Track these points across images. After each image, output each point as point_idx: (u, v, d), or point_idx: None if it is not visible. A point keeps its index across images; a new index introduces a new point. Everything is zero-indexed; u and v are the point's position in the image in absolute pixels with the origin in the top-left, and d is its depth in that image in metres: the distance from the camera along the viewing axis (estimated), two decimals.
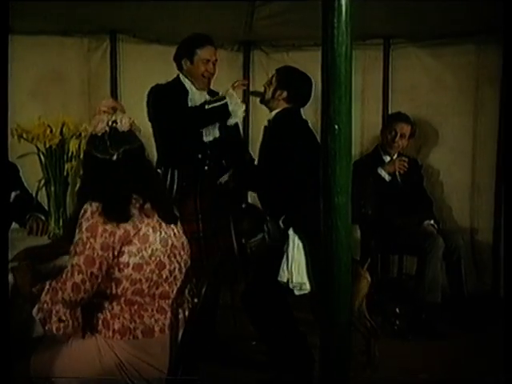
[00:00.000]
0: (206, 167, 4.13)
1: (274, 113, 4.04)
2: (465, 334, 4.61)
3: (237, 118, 4.12)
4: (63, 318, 2.60)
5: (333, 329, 1.63)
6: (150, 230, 2.72)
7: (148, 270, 2.70)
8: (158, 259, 2.73)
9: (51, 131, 3.76)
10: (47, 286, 2.62)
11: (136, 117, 5.39)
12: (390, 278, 5.45)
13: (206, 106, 4.06)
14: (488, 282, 5.36)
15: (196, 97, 4.17)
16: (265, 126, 4.11)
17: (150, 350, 2.71)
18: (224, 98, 4.06)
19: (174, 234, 2.83)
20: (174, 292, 2.79)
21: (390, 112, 5.62)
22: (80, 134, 3.87)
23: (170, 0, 4.79)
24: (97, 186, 2.72)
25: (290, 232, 3.78)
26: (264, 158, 4.02)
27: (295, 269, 3.72)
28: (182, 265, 2.85)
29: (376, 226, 5.01)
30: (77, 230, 2.65)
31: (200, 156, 4.12)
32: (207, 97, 4.19)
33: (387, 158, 5.21)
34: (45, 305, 2.60)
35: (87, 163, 2.82)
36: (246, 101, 4.40)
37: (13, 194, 3.75)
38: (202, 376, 3.69)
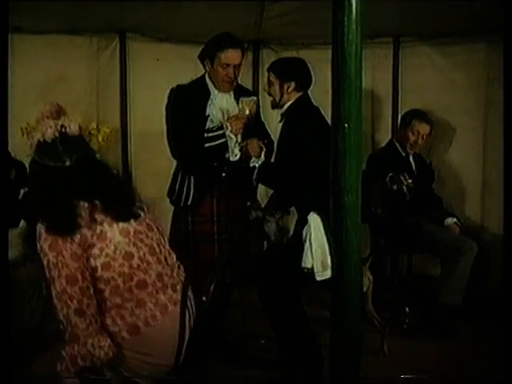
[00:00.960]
0: (224, 174, 4.09)
1: (286, 105, 4.01)
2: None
3: (233, 154, 4.06)
4: (99, 345, 2.57)
5: (343, 327, 1.62)
6: (106, 226, 2.65)
7: (117, 266, 2.64)
8: (123, 251, 2.66)
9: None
10: (65, 353, 2.57)
11: (145, 115, 5.42)
12: (401, 278, 5.44)
13: (205, 135, 4.03)
14: (499, 282, 5.33)
15: (218, 99, 4.09)
16: (281, 121, 4.06)
17: (140, 347, 2.66)
18: (221, 127, 4.04)
19: (135, 218, 2.76)
20: (153, 277, 2.73)
21: (399, 111, 5.60)
22: (89, 133, 3.88)
23: None
24: (43, 199, 2.62)
25: (311, 217, 3.74)
26: (286, 152, 3.95)
27: (320, 254, 3.68)
28: (155, 245, 2.78)
29: (387, 224, 4.98)
30: (41, 256, 2.57)
31: (216, 164, 4.08)
32: (231, 100, 4.12)
33: (403, 154, 5.18)
34: (79, 360, 2.56)
35: (35, 174, 2.70)
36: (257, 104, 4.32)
37: (21, 192, 3.76)
38: (210, 375, 3.71)
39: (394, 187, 4.78)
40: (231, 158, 4.06)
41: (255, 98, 4.18)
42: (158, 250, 2.79)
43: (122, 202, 2.75)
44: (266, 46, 5.93)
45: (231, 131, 4.02)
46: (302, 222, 3.81)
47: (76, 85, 5.27)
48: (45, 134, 2.68)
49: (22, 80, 4.93)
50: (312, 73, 4.01)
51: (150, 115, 5.44)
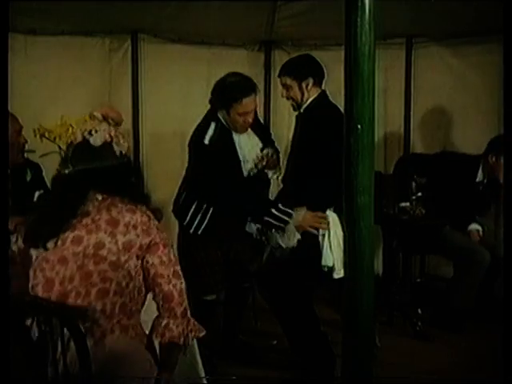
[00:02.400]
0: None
1: (308, 102, 3.97)
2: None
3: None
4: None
5: (356, 327, 1.62)
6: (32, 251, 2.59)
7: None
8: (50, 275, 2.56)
9: (73, 131, 3.78)
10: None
11: (157, 116, 5.42)
12: (413, 279, 5.43)
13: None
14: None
15: (242, 140, 3.91)
16: (299, 117, 4.03)
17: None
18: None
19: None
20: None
21: (412, 112, 5.59)
22: None
23: (191, 0, 4.80)
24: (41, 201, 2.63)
25: (330, 214, 3.74)
26: (310, 148, 3.90)
27: (340, 251, 3.67)
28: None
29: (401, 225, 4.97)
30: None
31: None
32: (255, 138, 3.99)
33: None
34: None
35: None
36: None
37: (36, 194, 3.77)
38: (223, 375, 3.72)
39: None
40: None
41: (272, 151, 4.01)
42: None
43: None
44: (278, 47, 5.93)
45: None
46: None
47: (88, 86, 5.28)
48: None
49: (35, 81, 4.96)
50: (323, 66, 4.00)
51: (162, 116, 5.46)
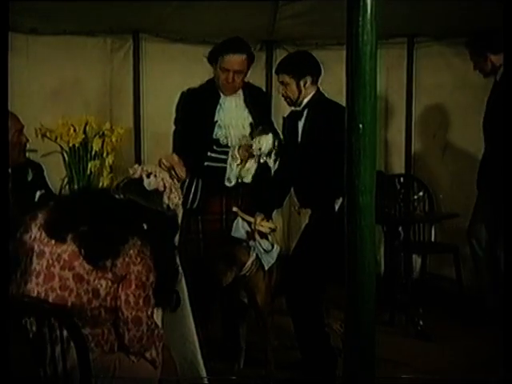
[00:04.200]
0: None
1: (305, 100, 3.95)
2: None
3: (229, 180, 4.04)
4: None
5: (358, 328, 1.62)
6: None
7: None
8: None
9: (74, 130, 3.79)
10: None
11: (158, 115, 5.43)
12: (414, 278, 5.43)
13: (208, 154, 4.02)
14: None
15: (226, 103, 4.07)
16: (301, 118, 4.03)
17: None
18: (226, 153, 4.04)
19: None
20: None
21: (414, 111, 5.59)
22: (103, 134, 3.89)
23: (193, 0, 4.80)
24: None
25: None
26: (311, 147, 3.90)
27: None
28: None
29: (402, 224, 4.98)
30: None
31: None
32: (239, 103, 4.10)
33: None
34: None
35: None
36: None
37: (37, 194, 3.78)
38: (225, 375, 3.71)
39: None
40: (226, 183, 4.03)
41: (272, 136, 4.05)
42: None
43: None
44: (279, 47, 5.93)
45: (236, 158, 3.99)
46: (317, 219, 3.81)
47: (90, 85, 5.29)
48: (135, 172, 2.73)
49: (37, 81, 4.96)
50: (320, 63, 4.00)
51: (164, 115, 5.46)
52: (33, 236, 2.55)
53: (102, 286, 2.47)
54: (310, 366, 3.85)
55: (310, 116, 3.92)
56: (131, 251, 2.49)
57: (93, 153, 3.81)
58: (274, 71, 4.21)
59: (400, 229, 5.02)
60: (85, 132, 3.81)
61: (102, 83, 5.38)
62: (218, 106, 4.06)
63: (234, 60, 3.95)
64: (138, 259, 2.49)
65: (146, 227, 2.56)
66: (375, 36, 1.51)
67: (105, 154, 3.88)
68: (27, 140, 3.60)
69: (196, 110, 4.04)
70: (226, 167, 4.01)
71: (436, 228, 5.44)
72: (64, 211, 2.58)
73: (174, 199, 2.73)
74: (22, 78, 4.69)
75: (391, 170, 5.75)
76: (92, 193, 2.82)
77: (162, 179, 2.74)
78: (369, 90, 1.53)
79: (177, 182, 2.94)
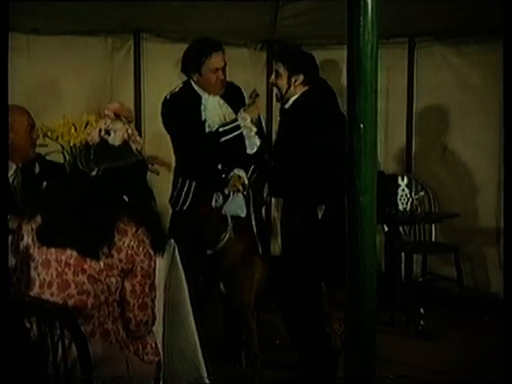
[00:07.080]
0: (224, 175, 4.10)
1: (291, 100, 3.97)
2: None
3: (253, 144, 4.07)
4: None
5: (358, 328, 1.62)
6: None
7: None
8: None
9: (75, 130, 3.78)
10: None
11: (159, 115, 5.42)
12: (415, 278, 5.43)
13: (220, 129, 4.03)
14: None
15: (209, 102, 4.13)
16: (283, 116, 4.05)
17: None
18: (236, 119, 4.05)
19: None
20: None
21: (415, 111, 5.59)
22: None
23: (194, 0, 4.81)
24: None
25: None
26: (289, 148, 3.93)
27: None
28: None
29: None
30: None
31: (220, 167, 4.11)
32: (221, 101, 4.15)
33: None
34: None
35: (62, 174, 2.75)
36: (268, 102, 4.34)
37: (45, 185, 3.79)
38: (225, 375, 3.71)
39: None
40: (249, 151, 4.08)
41: (254, 104, 4.12)
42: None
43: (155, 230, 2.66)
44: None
45: (250, 121, 4.03)
46: (306, 217, 3.82)
47: (91, 85, 5.28)
48: (89, 135, 2.66)
49: (38, 80, 4.96)
50: (319, 69, 4.00)
51: None
52: (26, 243, 2.57)
53: (112, 282, 2.52)
54: (309, 366, 3.85)
55: (291, 118, 3.95)
56: (132, 243, 2.53)
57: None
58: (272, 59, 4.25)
59: (400, 229, 5.03)
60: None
61: (102, 83, 5.37)
62: (202, 107, 4.12)
63: (220, 57, 4.05)
64: (140, 249, 2.54)
65: (126, 199, 2.61)
66: (376, 36, 1.51)
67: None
68: (38, 136, 3.61)
69: (184, 113, 4.09)
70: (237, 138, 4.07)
71: (436, 228, 5.45)
72: (50, 214, 2.59)
73: (138, 141, 2.73)
74: (24, 77, 4.68)
75: (391, 170, 5.74)
76: (68, 182, 2.77)
77: (121, 129, 2.68)
78: (370, 89, 1.53)
79: (130, 124, 2.89)
